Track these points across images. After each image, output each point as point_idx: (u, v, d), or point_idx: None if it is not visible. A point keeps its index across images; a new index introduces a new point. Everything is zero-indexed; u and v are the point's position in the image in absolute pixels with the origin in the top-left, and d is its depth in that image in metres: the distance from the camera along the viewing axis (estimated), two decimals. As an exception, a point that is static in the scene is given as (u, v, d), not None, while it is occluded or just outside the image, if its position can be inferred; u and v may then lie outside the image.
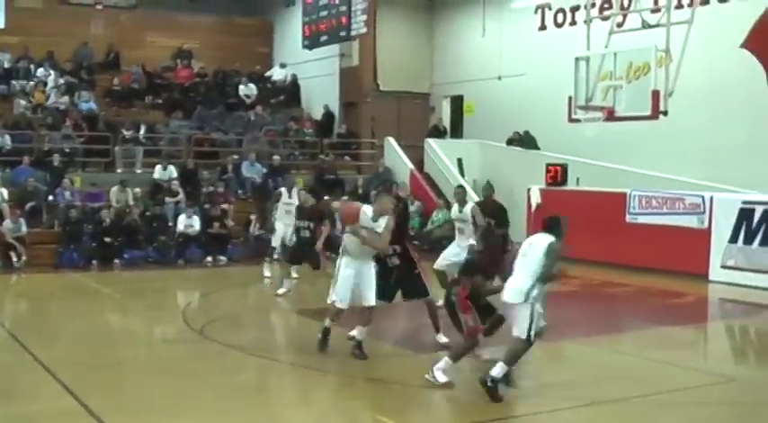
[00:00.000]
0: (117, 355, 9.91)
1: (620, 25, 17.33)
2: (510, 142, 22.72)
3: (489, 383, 7.61)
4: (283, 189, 15.46)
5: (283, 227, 15.06)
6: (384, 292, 9.40)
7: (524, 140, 22.43)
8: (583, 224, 15.08)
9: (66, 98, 22.90)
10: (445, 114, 26.30)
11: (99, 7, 26.53)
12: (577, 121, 16.43)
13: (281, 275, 13.93)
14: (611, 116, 15.73)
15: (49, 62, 24.11)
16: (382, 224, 8.98)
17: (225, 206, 19.59)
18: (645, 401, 7.89)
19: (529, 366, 8.50)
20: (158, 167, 20.49)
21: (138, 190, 19.41)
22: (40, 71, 23.68)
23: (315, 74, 26.14)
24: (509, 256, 8.34)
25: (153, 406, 7.63)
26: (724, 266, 15.73)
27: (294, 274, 14.07)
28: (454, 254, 11.61)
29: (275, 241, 15.49)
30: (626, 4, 19.06)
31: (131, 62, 25.44)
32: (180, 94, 25.02)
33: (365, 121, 25.30)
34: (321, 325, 9.53)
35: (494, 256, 8.47)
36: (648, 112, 15.01)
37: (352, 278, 9.11)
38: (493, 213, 11.23)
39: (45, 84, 23.26)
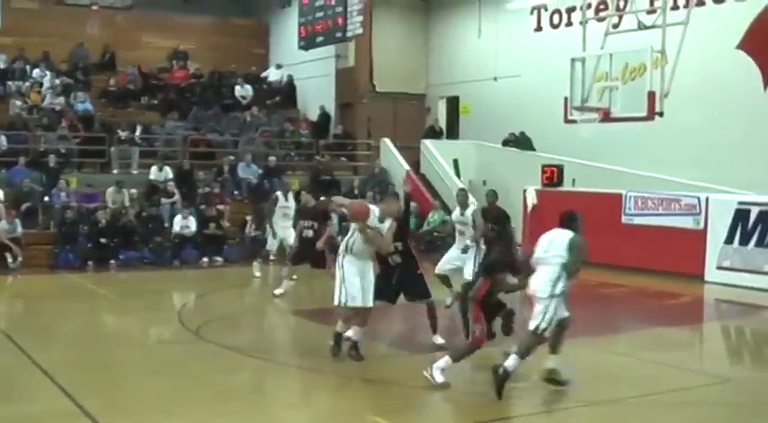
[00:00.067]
0: (113, 356, 9.91)
1: (615, 26, 17.34)
2: (506, 143, 22.72)
3: (500, 372, 7.67)
4: (279, 193, 15.49)
5: (281, 230, 15.15)
6: (385, 293, 9.37)
7: (520, 141, 22.44)
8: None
9: (61, 99, 22.88)
10: (441, 115, 26.32)
11: (95, 8, 26.51)
12: (573, 121, 16.42)
13: (287, 275, 13.91)
14: (606, 117, 15.73)
15: (44, 63, 24.07)
16: (387, 225, 9.01)
17: (221, 207, 19.59)
18: (640, 402, 7.90)
19: (523, 367, 8.48)
20: (154, 168, 20.47)
21: (133, 191, 19.36)
22: (36, 72, 23.64)
23: (311, 75, 26.13)
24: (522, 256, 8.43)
25: (149, 407, 7.62)
26: (720, 267, 15.76)
27: (293, 276, 14.06)
28: (455, 258, 11.61)
29: (270, 245, 15.55)
30: (622, 6, 19.08)
31: (127, 63, 25.41)
32: (176, 95, 25.01)
33: (361, 122, 25.31)
34: (332, 330, 9.39)
35: (511, 255, 8.53)
36: (644, 113, 15.01)
37: (358, 277, 9.12)
38: (496, 219, 11.18)
39: (41, 84, 23.22)
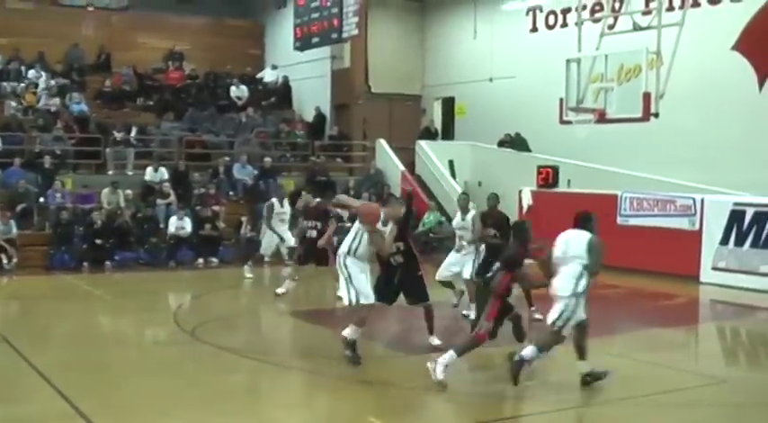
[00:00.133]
0: (108, 356, 9.90)
1: (611, 27, 17.38)
2: (501, 144, 22.73)
3: (516, 358, 7.75)
4: (275, 200, 15.55)
5: (279, 234, 15.24)
6: (385, 294, 9.36)
7: (515, 142, 22.45)
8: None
9: (57, 100, 22.84)
10: (436, 116, 26.32)
11: (90, 9, 26.52)
12: (568, 122, 16.45)
13: (290, 275, 13.91)
14: (602, 118, 15.77)
15: (39, 64, 24.03)
16: (389, 229, 9.05)
17: (216, 208, 19.59)
18: (636, 403, 7.91)
19: (523, 369, 8.50)
20: (149, 169, 20.45)
21: (129, 192, 19.36)
22: (31, 73, 23.60)
23: (306, 76, 26.14)
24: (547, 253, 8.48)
25: (145, 408, 7.61)
26: (715, 268, 15.78)
27: (296, 276, 14.06)
28: (453, 263, 11.61)
29: (264, 249, 15.63)
30: (617, 7, 19.08)
31: (122, 64, 25.37)
32: (171, 96, 24.99)
33: (356, 122, 25.31)
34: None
35: (526, 252, 8.56)
36: (639, 114, 15.05)
37: (364, 274, 9.12)
38: (497, 224, 11.16)
39: (36, 85, 23.18)
